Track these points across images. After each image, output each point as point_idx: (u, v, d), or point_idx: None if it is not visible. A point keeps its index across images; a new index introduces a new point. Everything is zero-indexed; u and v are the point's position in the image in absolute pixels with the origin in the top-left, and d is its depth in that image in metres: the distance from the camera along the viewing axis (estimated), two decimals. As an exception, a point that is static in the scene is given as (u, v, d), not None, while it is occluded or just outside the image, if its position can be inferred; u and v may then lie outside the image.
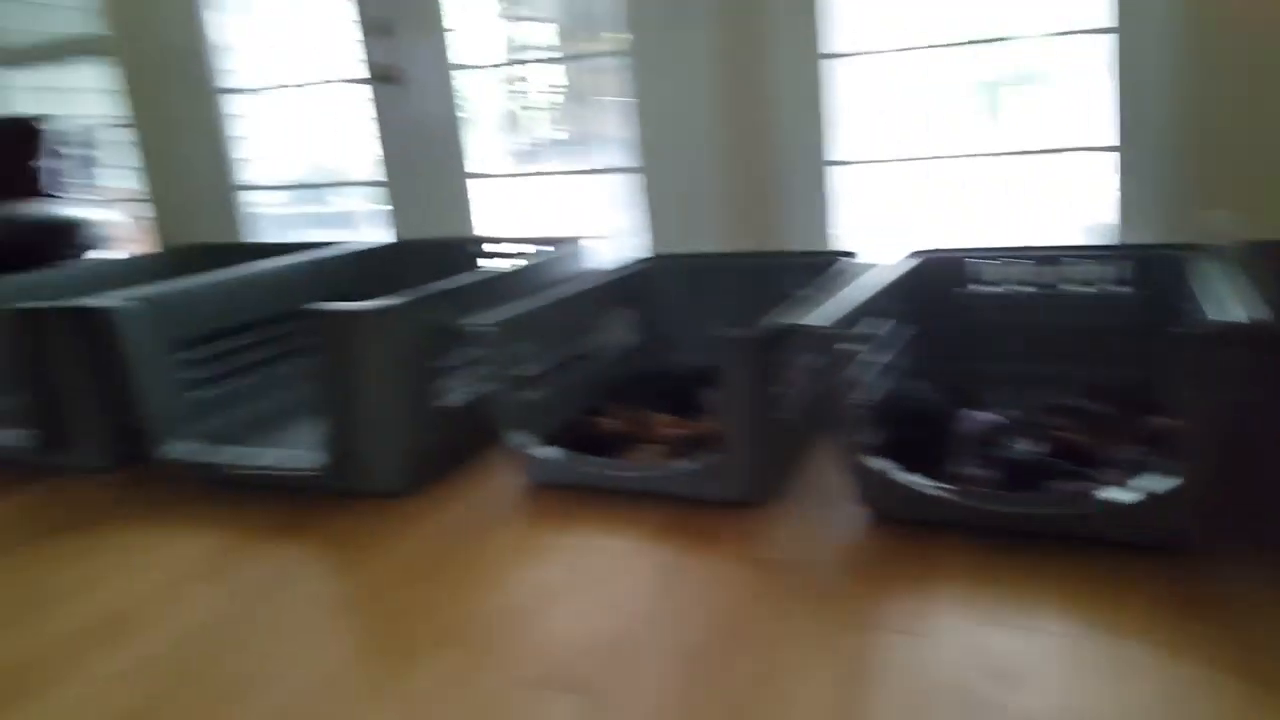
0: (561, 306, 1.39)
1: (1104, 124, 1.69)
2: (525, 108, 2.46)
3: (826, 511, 1.09)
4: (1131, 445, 1.03)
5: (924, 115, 1.91)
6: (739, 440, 1.10)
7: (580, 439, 1.27)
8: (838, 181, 1.91)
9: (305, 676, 0.83)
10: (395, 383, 1.21)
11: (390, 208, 2.27)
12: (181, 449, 1.31)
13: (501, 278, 1.49)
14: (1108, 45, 1.65)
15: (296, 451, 1.27)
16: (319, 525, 1.16)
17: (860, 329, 1.13)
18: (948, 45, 1.85)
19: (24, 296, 1.54)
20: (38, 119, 2.24)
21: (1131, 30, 1.62)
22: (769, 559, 0.99)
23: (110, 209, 2.39)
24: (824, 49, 1.83)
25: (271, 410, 1.54)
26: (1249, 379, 0.88)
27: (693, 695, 0.76)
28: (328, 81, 2.33)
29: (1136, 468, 0.94)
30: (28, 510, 1.30)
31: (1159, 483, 0.89)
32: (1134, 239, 1.67)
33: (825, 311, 1.05)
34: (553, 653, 0.84)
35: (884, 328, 1.26)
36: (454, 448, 1.36)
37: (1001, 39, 1.85)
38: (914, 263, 1.40)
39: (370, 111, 2.21)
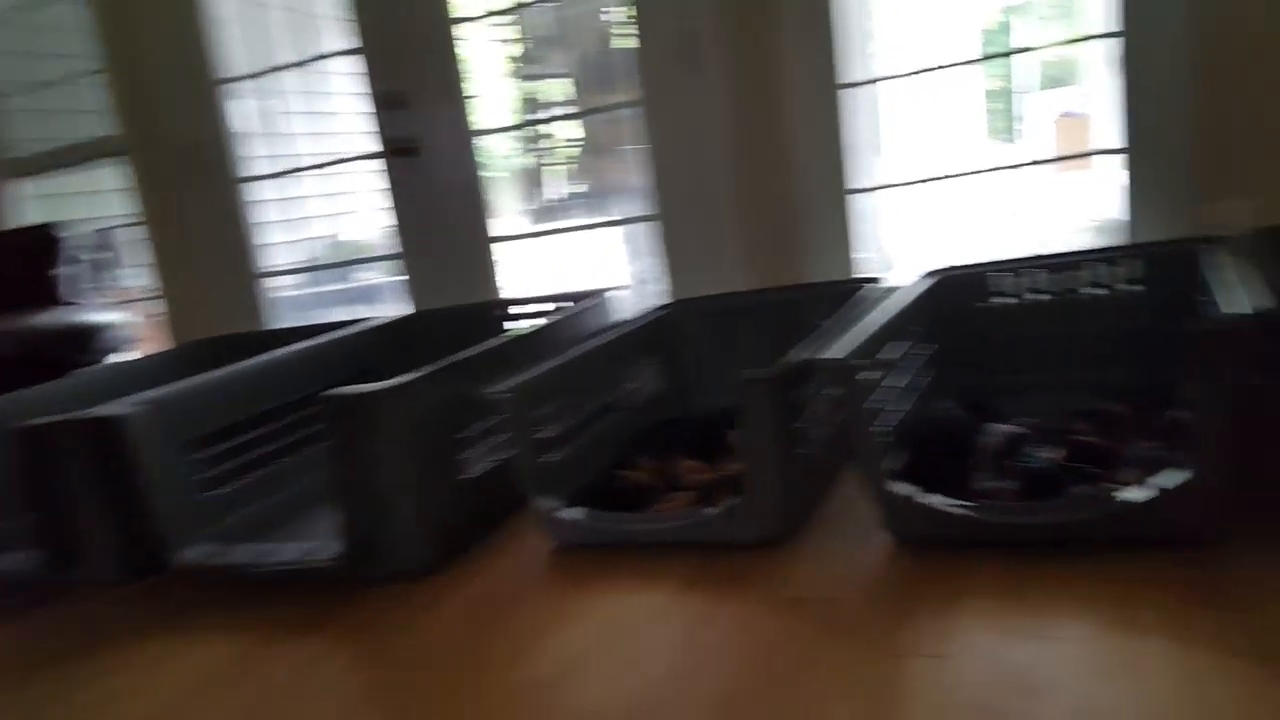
0: (581, 363, 1.49)
1: (1112, 125, 1.79)
2: (545, 164, 2.63)
3: (854, 542, 1.16)
4: (1149, 443, 1.10)
5: (939, 135, 2.02)
6: (762, 480, 1.17)
7: (608, 495, 1.36)
8: (860, 209, 2.02)
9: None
10: (413, 461, 1.29)
11: (411, 279, 2.43)
12: (196, 552, 1.37)
13: (522, 340, 1.60)
14: (1114, 49, 1.75)
15: (316, 543, 1.33)
16: (342, 616, 1.24)
17: (881, 354, 1.21)
18: (954, 65, 1.96)
19: (35, 411, 1.64)
20: (55, 226, 2.46)
21: (1138, 32, 1.72)
22: (798, 597, 1.06)
23: (129, 310, 2.61)
24: (840, 79, 1.96)
25: (292, 502, 1.62)
26: (1256, 368, 0.95)
27: (720, 739, 0.83)
28: (343, 159, 2.52)
29: (1155, 466, 1.00)
30: (38, 634, 1.38)
31: (1172, 478, 0.95)
32: (1146, 237, 1.74)
33: (843, 341, 1.13)
34: None
35: (904, 350, 1.35)
36: (479, 519, 1.45)
37: (1010, 52, 1.96)
38: (931, 282, 1.49)
39: (388, 184, 2.39)
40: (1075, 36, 1.85)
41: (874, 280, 1.61)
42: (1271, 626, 0.83)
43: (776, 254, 2.05)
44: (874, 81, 2.01)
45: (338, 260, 2.82)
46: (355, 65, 2.35)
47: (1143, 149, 1.75)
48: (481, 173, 2.31)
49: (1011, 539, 1.04)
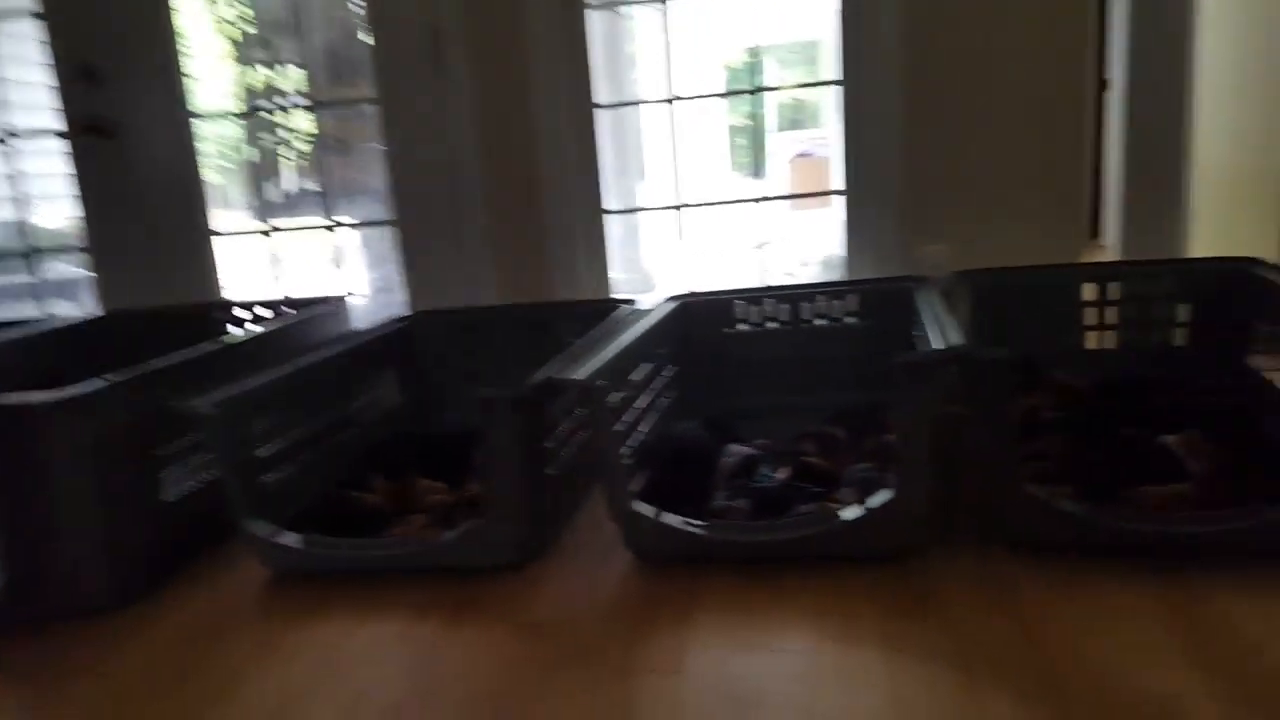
0: (306, 374, 1.38)
1: (836, 170, 1.96)
2: (278, 157, 2.44)
3: (597, 563, 1.15)
4: (864, 464, 1.19)
5: (699, 165, 2.11)
6: (503, 502, 1.14)
7: (336, 518, 1.26)
8: (616, 230, 2.05)
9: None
10: (95, 481, 1.14)
11: (102, 275, 2.15)
12: None
13: (238, 347, 1.46)
14: (837, 96, 1.92)
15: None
16: (4, 660, 1.07)
17: (626, 375, 1.22)
18: (702, 97, 2.06)
19: None
20: None
21: (854, 82, 1.89)
22: (536, 620, 1.03)
23: None
24: (595, 99, 1.97)
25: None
26: (954, 399, 1.05)
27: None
28: (19, 134, 2.20)
29: (869, 485, 1.09)
30: None
31: (879, 498, 1.03)
32: (860, 273, 1.93)
33: (590, 362, 1.13)
34: (296, 760, 0.83)
35: (649, 371, 1.37)
36: (181, 546, 1.30)
37: (751, 90, 2.10)
38: (675, 306, 1.54)
39: (78, 168, 2.11)
40: (806, 81, 2.01)
41: (629, 301, 1.63)
42: (963, 634, 0.92)
43: (528, 269, 2.03)
44: (629, 104, 2.06)
45: (18, 249, 2.45)
46: (40, 30, 2.06)
47: (858, 192, 1.93)
48: (198, 161, 2.10)
49: (743, 556, 1.08)
